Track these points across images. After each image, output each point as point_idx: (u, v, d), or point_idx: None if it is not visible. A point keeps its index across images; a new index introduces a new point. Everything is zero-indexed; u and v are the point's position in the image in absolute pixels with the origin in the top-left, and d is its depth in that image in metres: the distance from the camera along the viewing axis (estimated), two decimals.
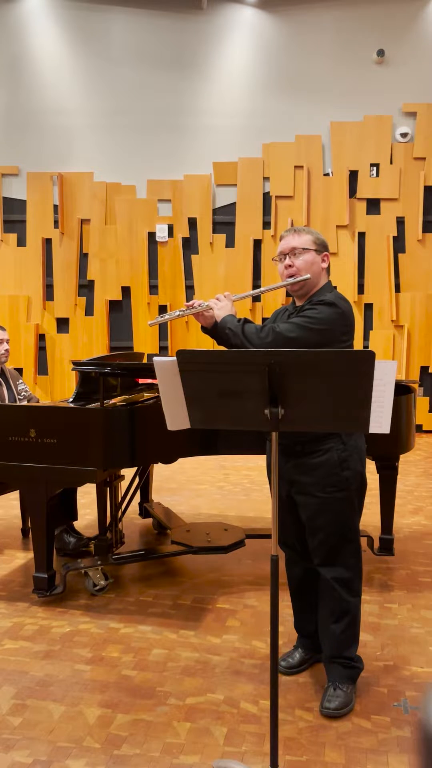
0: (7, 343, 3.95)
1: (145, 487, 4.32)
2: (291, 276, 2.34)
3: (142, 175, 7.72)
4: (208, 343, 7.78)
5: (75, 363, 3.14)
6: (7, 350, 3.92)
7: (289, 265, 2.34)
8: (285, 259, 2.36)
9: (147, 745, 2.13)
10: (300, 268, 2.33)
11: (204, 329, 2.45)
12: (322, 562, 2.35)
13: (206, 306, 2.38)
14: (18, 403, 3.88)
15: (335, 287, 2.46)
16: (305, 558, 2.50)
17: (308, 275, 2.32)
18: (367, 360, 1.72)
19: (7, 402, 3.86)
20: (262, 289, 2.54)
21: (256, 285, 7.69)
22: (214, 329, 2.40)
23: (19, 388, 4.03)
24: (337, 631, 2.36)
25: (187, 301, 7.75)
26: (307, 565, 2.51)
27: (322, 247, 2.38)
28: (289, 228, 2.45)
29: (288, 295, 2.50)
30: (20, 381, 4.10)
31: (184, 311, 2.41)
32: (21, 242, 7.89)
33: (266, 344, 2.18)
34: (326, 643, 2.39)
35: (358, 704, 2.34)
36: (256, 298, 7.68)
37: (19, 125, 7.75)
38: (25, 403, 3.95)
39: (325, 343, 2.19)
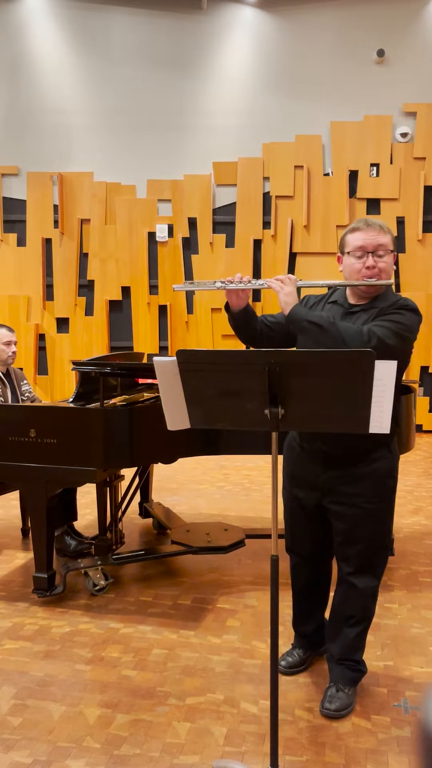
0: (15, 345, 3.97)
1: (145, 487, 4.32)
2: (372, 276, 2.15)
3: (142, 175, 7.72)
4: (208, 343, 7.79)
5: (75, 363, 3.14)
6: (14, 352, 3.95)
7: (373, 266, 2.15)
8: (367, 257, 2.15)
9: (147, 745, 2.13)
10: (383, 270, 2.16)
11: (228, 309, 2.26)
12: (354, 571, 2.28)
13: (261, 285, 2.13)
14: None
15: None
16: (315, 563, 2.47)
17: (391, 280, 2.18)
18: (367, 360, 1.72)
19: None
20: (336, 281, 2.19)
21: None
22: (240, 314, 2.23)
23: (23, 389, 4.03)
24: (351, 634, 2.34)
25: (187, 301, 7.79)
26: (315, 570, 2.48)
27: (395, 248, 2.23)
28: (366, 221, 2.19)
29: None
30: (24, 381, 4.10)
31: (227, 284, 2.14)
32: (21, 242, 7.89)
33: (368, 348, 1.93)
34: (337, 644, 2.36)
35: (358, 704, 2.34)
36: (255, 297, 7.68)
37: (19, 125, 7.75)
38: (28, 404, 3.95)
39: (406, 351, 2.12)
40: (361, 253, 2.16)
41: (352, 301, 2.25)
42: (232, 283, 2.16)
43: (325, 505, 2.29)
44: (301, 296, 2.33)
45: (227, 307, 2.27)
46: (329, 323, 2.07)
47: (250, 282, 2.15)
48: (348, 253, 2.20)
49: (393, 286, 2.26)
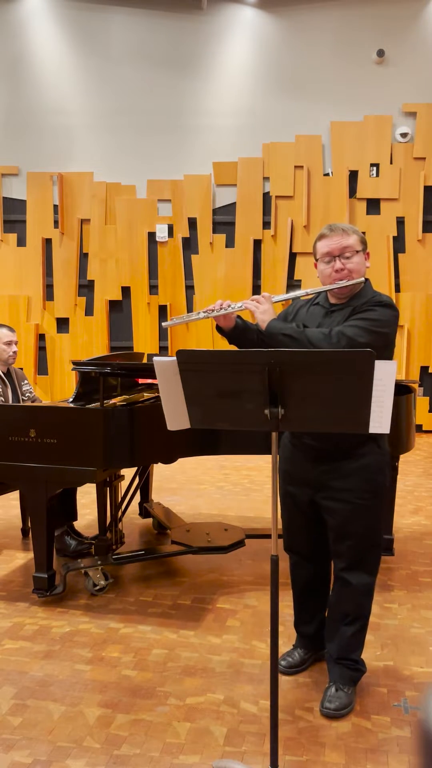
0: (16, 345, 3.98)
1: (145, 487, 4.32)
2: (342, 278, 2.24)
3: (142, 175, 7.72)
4: (208, 343, 7.79)
5: (75, 363, 3.14)
6: (15, 352, 3.96)
7: (341, 268, 2.24)
8: (335, 261, 2.25)
9: (147, 745, 2.13)
10: (352, 270, 2.24)
11: (220, 329, 2.36)
12: (347, 567, 2.31)
13: (240, 308, 2.27)
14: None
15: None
16: (313, 562, 2.49)
17: (362, 278, 2.26)
18: (366, 360, 1.72)
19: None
20: (308, 290, 2.32)
21: (256, 285, 7.69)
22: (233, 332, 2.33)
23: (23, 389, 4.03)
24: (348, 633, 2.35)
25: (187, 301, 7.79)
26: (314, 569, 2.50)
27: (365, 246, 2.31)
28: (331, 227, 2.29)
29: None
30: (25, 382, 4.11)
31: (210, 313, 2.28)
32: (21, 242, 7.90)
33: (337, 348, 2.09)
34: (334, 643, 2.37)
35: (358, 704, 2.34)
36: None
37: (19, 125, 7.75)
38: (28, 404, 3.95)
39: (385, 345, 2.17)
40: (329, 259, 2.27)
41: (332, 301, 2.33)
42: (213, 311, 2.29)
43: (317, 501, 2.32)
44: (290, 304, 2.46)
45: (219, 328, 2.37)
46: (298, 333, 2.18)
47: (230, 306, 2.28)
48: (318, 259, 2.32)
49: (369, 283, 2.34)
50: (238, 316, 2.37)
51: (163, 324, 2.40)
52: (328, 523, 2.32)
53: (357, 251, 2.26)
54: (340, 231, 2.26)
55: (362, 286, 2.30)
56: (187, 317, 2.34)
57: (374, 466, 2.24)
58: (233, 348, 2.22)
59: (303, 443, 2.30)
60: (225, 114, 7.61)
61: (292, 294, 2.37)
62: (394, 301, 7.55)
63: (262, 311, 2.27)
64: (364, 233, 2.39)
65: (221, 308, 2.28)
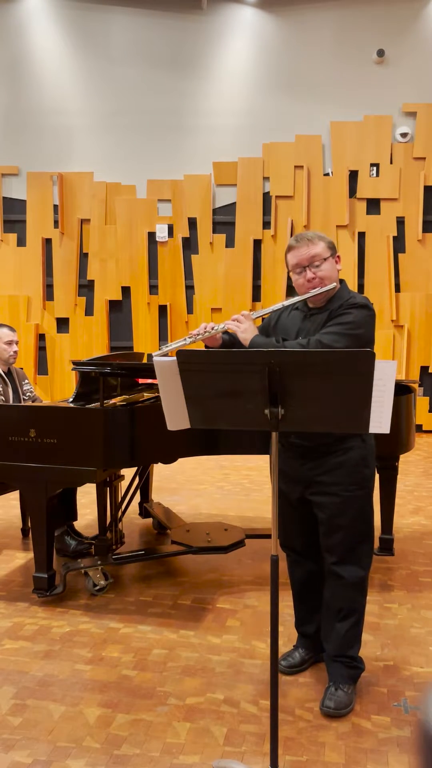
0: (17, 344, 3.99)
1: (145, 487, 4.32)
2: (314, 287, 2.29)
3: (142, 175, 7.72)
4: None
5: (75, 363, 3.14)
6: (16, 351, 3.97)
7: (312, 278, 2.29)
8: (305, 271, 2.30)
9: (147, 745, 2.13)
10: (323, 277, 2.29)
11: (208, 349, 2.43)
12: (338, 561, 2.34)
13: (222, 329, 2.34)
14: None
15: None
16: (310, 559, 2.50)
17: (334, 284, 2.30)
18: (366, 360, 1.72)
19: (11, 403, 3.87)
20: (284, 302, 2.39)
21: (256, 285, 7.69)
22: (221, 347, 2.40)
23: (24, 389, 4.03)
24: (342, 630, 2.36)
25: (187, 301, 7.79)
26: (311, 566, 2.51)
27: (334, 250, 2.35)
28: (297, 237, 2.34)
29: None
30: (26, 381, 4.11)
31: (195, 337, 2.36)
32: (21, 242, 7.90)
33: None
34: (330, 641, 2.39)
35: (358, 704, 2.34)
36: (255, 298, 7.69)
37: (19, 125, 7.75)
38: (28, 404, 3.95)
39: (363, 345, 2.20)
40: (300, 269, 2.31)
41: (310, 305, 2.39)
42: (200, 335, 2.37)
43: (307, 497, 2.35)
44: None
45: (206, 348, 2.44)
46: (278, 347, 2.24)
47: (213, 328, 2.36)
48: (290, 271, 2.38)
49: (345, 284, 2.40)
50: (225, 333, 2.45)
51: (153, 356, 2.42)
52: (318, 517, 2.36)
53: (325, 258, 2.30)
54: (305, 241, 2.31)
55: (337, 289, 2.35)
56: (174, 344, 2.40)
57: (358, 459, 2.28)
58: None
59: (289, 442, 2.34)
60: (225, 114, 7.61)
61: (269, 309, 2.41)
62: (394, 301, 7.58)
63: (243, 330, 2.33)
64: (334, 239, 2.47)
65: (205, 331, 2.36)
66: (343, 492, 2.28)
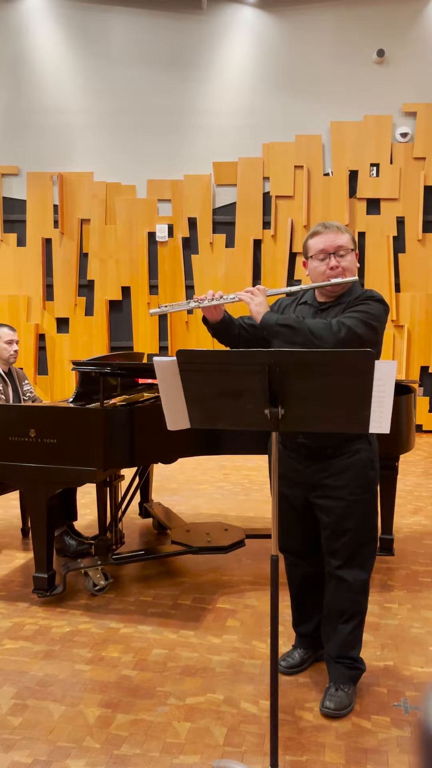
0: (17, 344, 3.99)
1: (145, 487, 4.32)
2: (336, 276, 2.24)
3: (142, 175, 7.72)
4: (208, 343, 7.78)
5: (75, 363, 3.14)
6: (16, 351, 3.97)
7: (336, 266, 2.25)
8: (329, 258, 2.26)
9: (147, 745, 2.13)
10: (346, 268, 2.25)
11: (206, 321, 2.36)
12: (342, 565, 2.31)
13: (232, 299, 2.26)
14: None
15: None
16: (308, 561, 2.49)
17: (356, 277, 2.28)
18: (366, 360, 1.72)
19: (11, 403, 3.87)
20: (302, 286, 2.31)
21: (255, 285, 7.67)
22: (218, 325, 2.33)
23: (24, 389, 4.03)
24: (345, 631, 2.35)
25: (188, 300, 7.76)
26: (309, 568, 2.50)
27: (355, 246, 2.34)
28: (325, 224, 2.29)
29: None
30: (26, 382, 4.11)
31: (200, 302, 2.26)
32: (21, 242, 7.90)
33: (339, 340, 2.10)
34: (332, 642, 2.37)
35: (358, 704, 2.34)
36: None
37: (19, 125, 7.75)
38: (28, 404, 3.95)
39: (376, 340, 2.20)
40: (323, 256, 2.26)
41: (320, 299, 2.34)
42: (205, 300, 2.26)
43: (311, 500, 2.32)
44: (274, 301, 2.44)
45: (204, 319, 2.36)
46: (298, 322, 2.18)
47: (222, 297, 2.26)
48: (311, 257, 2.31)
49: (358, 281, 2.36)
50: (225, 310, 2.37)
51: (150, 311, 2.37)
52: (321, 521, 2.32)
53: (350, 250, 2.28)
54: (334, 228, 2.27)
55: (354, 284, 2.32)
56: (176, 306, 2.32)
57: (365, 462, 2.26)
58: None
59: (296, 443, 2.30)
60: (225, 114, 7.61)
61: (287, 289, 2.34)
62: (394, 301, 7.58)
63: (257, 303, 2.26)
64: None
65: (213, 298, 2.26)
66: (349, 496, 2.24)
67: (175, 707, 2.33)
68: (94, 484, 3.12)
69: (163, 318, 7.83)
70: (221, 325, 2.35)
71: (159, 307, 2.33)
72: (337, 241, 2.25)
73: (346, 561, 2.30)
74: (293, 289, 2.32)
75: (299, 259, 7.61)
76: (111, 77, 7.66)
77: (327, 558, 2.36)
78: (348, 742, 2.14)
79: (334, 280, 2.23)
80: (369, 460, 2.27)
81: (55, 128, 7.74)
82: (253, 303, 2.26)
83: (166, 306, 2.32)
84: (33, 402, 4.06)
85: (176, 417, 1.96)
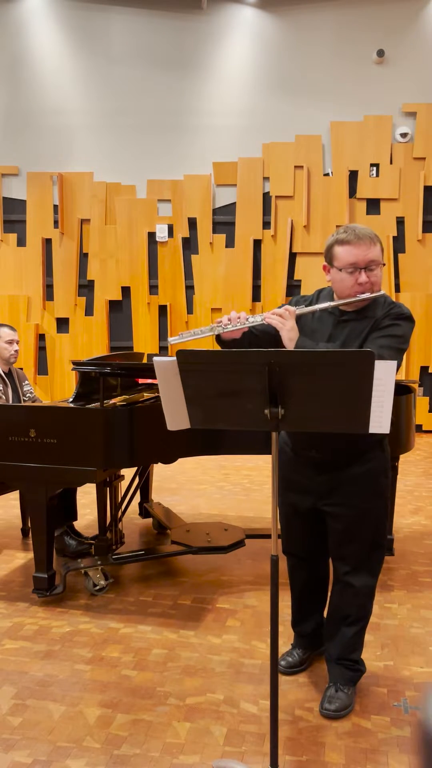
0: (17, 344, 3.99)
1: (145, 487, 4.32)
2: (364, 291, 2.12)
3: (142, 175, 7.72)
4: (208, 344, 7.78)
5: (75, 363, 3.14)
6: (16, 350, 3.97)
7: (366, 282, 2.11)
8: (358, 272, 2.11)
9: (147, 745, 2.13)
10: (375, 283, 2.13)
11: (219, 341, 2.22)
12: (351, 570, 2.28)
13: (259, 322, 2.11)
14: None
15: None
16: (312, 563, 2.48)
17: (383, 291, 2.16)
18: (366, 360, 1.72)
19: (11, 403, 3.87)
20: (330, 303, 2.16)
21: (256, 285, 7.68)
22: (232, 344, 2.20)
23: (24, 390, 4.03)
24: (348, 633, 2.34)
25: (187, 301, 7.78)
26: (312, 569, 2.49)
27: (383, 254, 2.22)
28: (357, 233, 2.11)
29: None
30: (26, 382, 4.11)
31: (225, 327, 2.10)
32: (21, 242, 7.90)
33: None
34: (334, 643, 2.37)
35: (358, 704, 2.34)
36: (255, 298, 7.68)
37: (19, 125, 7.75)
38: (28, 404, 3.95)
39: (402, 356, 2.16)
40: (352, 269, 2.12)
41: (342, 308, 2.21)
42: (229, 325, 2.12)
43: (320, 507, 2.29)
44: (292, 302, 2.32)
45: (218, 339, 2.21)
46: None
47: (247, 320, 2.12)
48: (338, 267, 2.15)
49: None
50: (252, 329, 2.22)
51: (170, 340, 2.20)
52: (331, 527, 2.30)
53: (380, 264, 2.15)
54: (367, 240, 2.10)
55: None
56: (198, 332, 2.15)
57: (378, 470, 2.23)
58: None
59: (308, 456, 2.25)
60: (225, 114, 7.61)
61: (316, 307, 2.17)
62: (394, 301, 7.59)
63: (290, 328, 2.11)
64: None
65: (238, 321, 2.11)
66: (362, 503, 2.21)
67: (175, 707, 2.33)
68: (94, 484, 3.12)
69: (163, 318, 7.83)
70: (235, 344, 2.21)
71: (179, 335, 2.18)
72: (369, 255, 2.10)
73: (355, 567, 2.28)
74: (322, 306, 2.16)
75: (299, 260, 7.61)
76: (111, 77, 7.66)
77: (335, 563, 2.34)
78: (348, 742, 2.14)
79: (361, 296, 2.11)
80: (382, 468, 2.24)
81: (55, 128, 7.74)
82: (285, 329, 2.11)
83: (186, 333, 2.17)
84: (33, 403, 4.06)
85: (176, 417, 1.96)
